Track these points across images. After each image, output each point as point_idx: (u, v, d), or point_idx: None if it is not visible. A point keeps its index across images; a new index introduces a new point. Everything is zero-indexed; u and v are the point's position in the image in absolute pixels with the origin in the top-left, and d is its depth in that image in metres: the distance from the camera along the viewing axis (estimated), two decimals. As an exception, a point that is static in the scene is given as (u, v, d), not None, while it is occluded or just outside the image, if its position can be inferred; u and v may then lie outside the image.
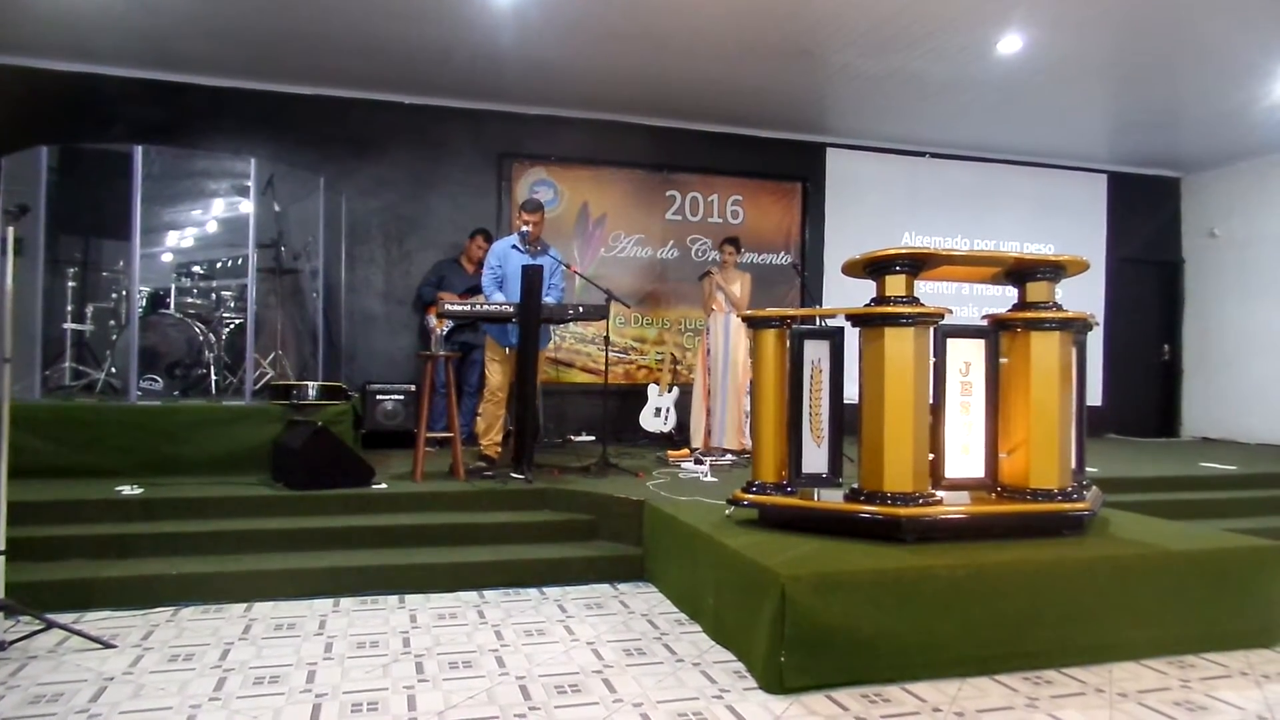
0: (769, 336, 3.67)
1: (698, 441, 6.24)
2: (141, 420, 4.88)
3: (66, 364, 5.69)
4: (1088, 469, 4.53)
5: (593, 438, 7.09)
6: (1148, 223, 9.24)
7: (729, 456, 5.99)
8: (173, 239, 6.61)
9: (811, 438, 3.53)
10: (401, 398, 6.37)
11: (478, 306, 5.02)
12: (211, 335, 5.84)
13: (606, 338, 5.88)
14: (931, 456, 3.46)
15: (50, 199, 5.48)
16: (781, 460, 3.62)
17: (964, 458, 3.56)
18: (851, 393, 3.44)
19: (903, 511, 3.24)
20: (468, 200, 7.32)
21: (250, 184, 5.72)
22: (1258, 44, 5.77)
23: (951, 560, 3.03)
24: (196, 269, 6.24)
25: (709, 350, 6.26)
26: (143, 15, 5.52)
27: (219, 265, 6.37)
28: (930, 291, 7.84)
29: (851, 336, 3.50)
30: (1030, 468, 3.50)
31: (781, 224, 8.16)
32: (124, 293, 5.74)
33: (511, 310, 4.84)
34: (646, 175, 7.79)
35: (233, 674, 2.86)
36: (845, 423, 3.52)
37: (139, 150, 5.29)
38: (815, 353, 3.53)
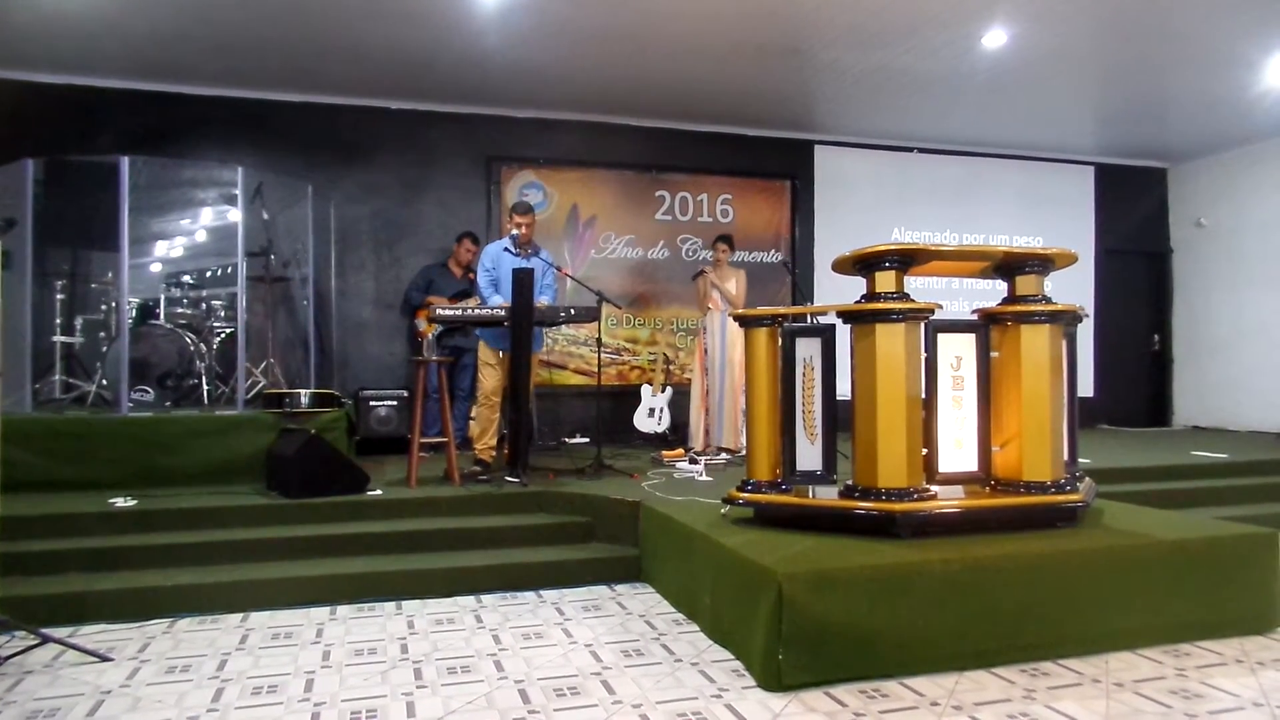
0: (761, 335, 3.68)
1: (697, 442, 6.18)
2: (133, 432, 4.87)
3: (57, 377, 5.67)
4: (1080, 460, 4.54)
5: (587, 439, 7.09)
6: (1135, 213, 9.29)
7: (724, 455, 5.97)
8: (161, 249, 6.58)
9: (805, 435, 3.54)
10: (394, 403, 6.34)
11: (469, 310, 5.02)
12: (202, 345, 5.82)
13: (599, 339, 5.88)
14: (924, 451, 3.47)
15: (37, 211, 5.45)
16: (775, 458, 3.63)
17: (957, 452, 3.56)
18: (844, 389, 3.45)
19: (897, 507, 3.26)
20: (457, 204, 7.30)
21: (238, 192, 5.72)
22: (1241, 33, 5.80)
23: (947, 554, 3.05)
24: (186, 279, 6.21)
25: (706, 350, 6.21)
26: (126, 25, 5.49)
27: (208, 274, 6.34)
28: (920, 287, 7.86)
29: (843, 333, 3.51)
30: (1023, 460, 3.51)
31: (771, 222, 8.17)
32: (113, 304, 5.71)
33: (503, 314, 4.84)
34: (636, 176, 7.79)
35: (230, 684, 2.85)
36: (838, 419, 3.53)
37: (126, 161, 5.28)
38: (807, 350, 3.54)
